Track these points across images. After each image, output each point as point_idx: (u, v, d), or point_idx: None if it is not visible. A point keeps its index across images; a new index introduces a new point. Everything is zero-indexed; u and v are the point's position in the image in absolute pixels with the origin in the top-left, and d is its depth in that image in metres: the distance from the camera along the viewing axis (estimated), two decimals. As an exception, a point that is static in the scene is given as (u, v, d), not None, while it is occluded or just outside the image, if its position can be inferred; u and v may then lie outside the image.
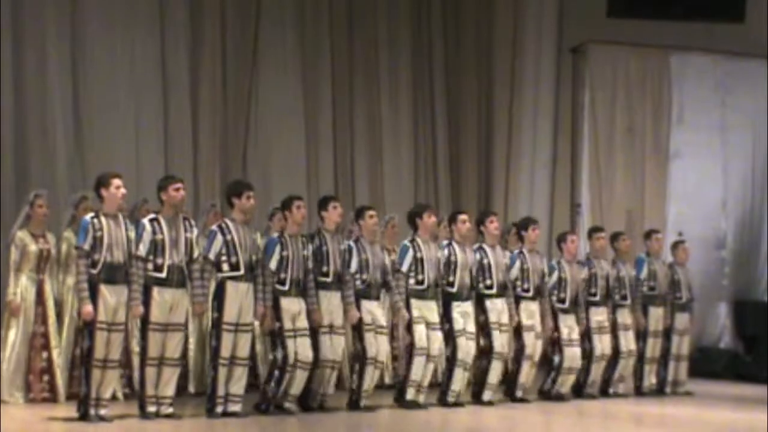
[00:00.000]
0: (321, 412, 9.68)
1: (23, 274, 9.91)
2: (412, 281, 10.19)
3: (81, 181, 12.22)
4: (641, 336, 12.28)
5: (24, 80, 12.39)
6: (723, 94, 16.55)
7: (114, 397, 9.39)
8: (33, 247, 9.92)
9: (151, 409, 8.95)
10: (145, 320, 8.90)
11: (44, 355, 9.92)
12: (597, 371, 11.74)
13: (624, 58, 16.38)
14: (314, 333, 9.61)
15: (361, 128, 14.96)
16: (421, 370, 10.13)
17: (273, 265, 9.43)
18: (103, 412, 8.72)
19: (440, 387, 10.49)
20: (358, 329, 9.95)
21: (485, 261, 10.70)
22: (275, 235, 9.75)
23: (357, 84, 14.93)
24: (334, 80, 14.68)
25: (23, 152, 12.31)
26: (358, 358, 9.95)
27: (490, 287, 10.70)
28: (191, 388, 10.74)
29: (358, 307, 9.87)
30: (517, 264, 11.00)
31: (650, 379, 12.41)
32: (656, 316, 12.39)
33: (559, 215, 15.89)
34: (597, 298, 11.77)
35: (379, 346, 9.98)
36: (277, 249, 9.47)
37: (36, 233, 9.99)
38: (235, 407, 9.25)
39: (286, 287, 9.49)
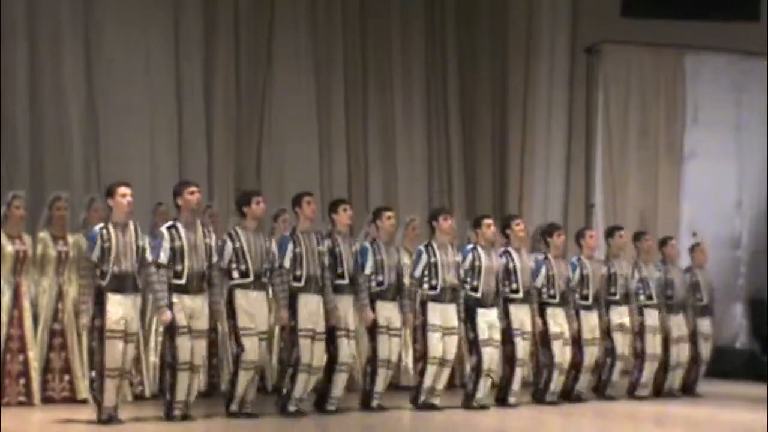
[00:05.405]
0: (336, 414, 9.68)
1: None
2: (426, 286, 10.14)
3: (96, 183, 12.27)
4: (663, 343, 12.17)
5: (39, 83, 12.44)
6: (738, 94, 16.50)
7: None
8: (9, 249, 9.75)
9: (177, 413, 8.89)
10: (171, 325, 8.84)
11: (20, 358, 9.73)
12: (619, 371, 11.65)
13: (638, 57, 16.34)
14: (331, 333, 9.58)
15: (374, 129, 14.93)
16: (431, 378, 10.10)
17: (287, 263, 9.38)
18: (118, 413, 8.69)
19: (465, 392, 10.44)
20: (371, 331, 9.92)
21: (511, 265, 10.59)
22: (287, 233, 9.69)
23: (370, 85, 14.91)
24: (347, 82, 14.66)
25: (39, 155, 12.35)
26: (371, 360, 9.93)
27: (516, 291, 10.60)
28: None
29: (373, 309, 9.84)
30: (543, 271, 10.90)
31: (675, 386, 12.29)
32: (677, 323, 12.23)
33: (573, 215, 15.83)
34: (617, 297, 11.67)
35: (391, 348, 9.97)
36: (290, 246, 9.42)
37: (12, 234, 9.81)
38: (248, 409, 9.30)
39: (302, 283, 9.44)
